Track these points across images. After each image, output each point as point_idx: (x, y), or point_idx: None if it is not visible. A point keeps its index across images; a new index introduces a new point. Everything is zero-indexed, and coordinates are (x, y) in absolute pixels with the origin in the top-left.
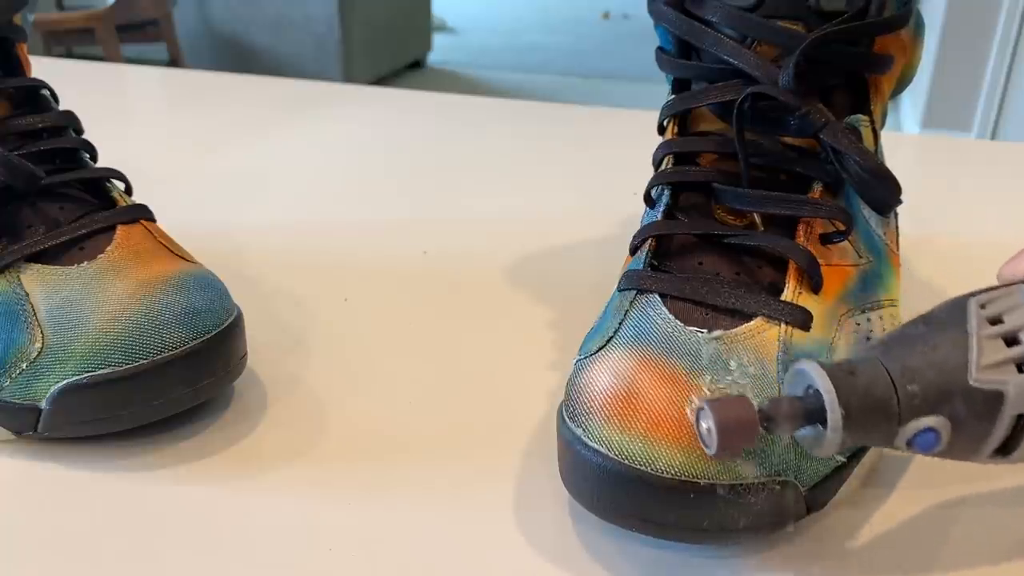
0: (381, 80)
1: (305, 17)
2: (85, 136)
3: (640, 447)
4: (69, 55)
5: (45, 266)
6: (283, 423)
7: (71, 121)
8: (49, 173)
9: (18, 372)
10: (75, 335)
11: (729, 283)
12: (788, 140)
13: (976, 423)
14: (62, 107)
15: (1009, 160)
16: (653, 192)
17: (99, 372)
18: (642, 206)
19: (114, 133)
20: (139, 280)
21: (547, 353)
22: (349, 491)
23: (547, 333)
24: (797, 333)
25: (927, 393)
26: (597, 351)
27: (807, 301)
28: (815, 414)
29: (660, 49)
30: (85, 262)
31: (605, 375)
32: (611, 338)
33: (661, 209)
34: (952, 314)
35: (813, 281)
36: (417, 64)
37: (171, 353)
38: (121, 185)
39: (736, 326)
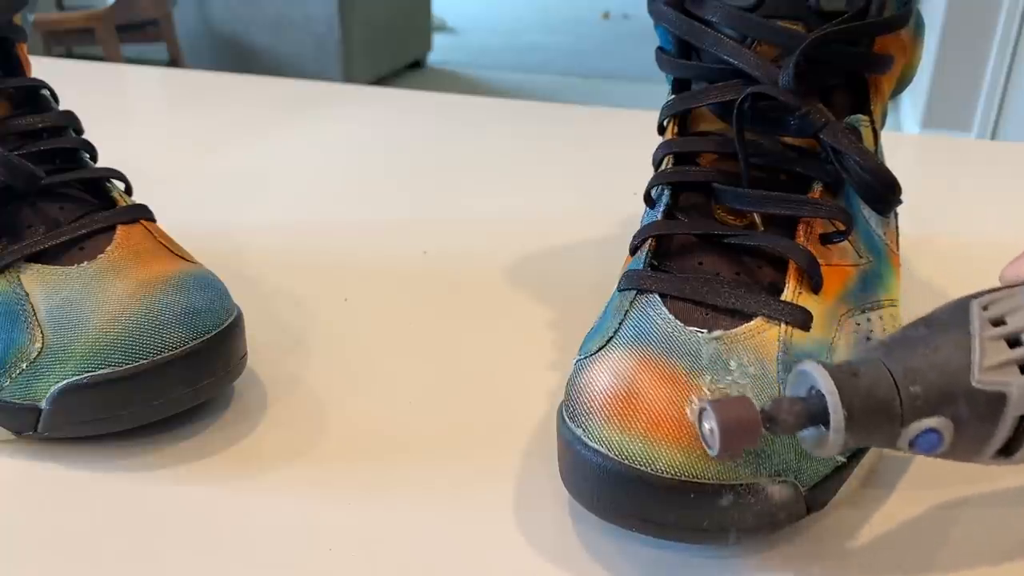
0: (381, 80)
1: (305, 17)
2: (85, 136)
3: (640, 447)
4: (69, 55)
5: (45, 266)
6: (283, 423)
7: (71, 121)
8: (49, 173)
9: (18, 372)
10: (75, 335)
11: (729, 283)
12: (788, 140)
13: (979, 424)
14: (62, 107)
15: (1009, 160)
16: (653, 192)
17: (99, 372)
18: (642, 206)
19: (114, 133)
20: (139, 280)
21: (547, 353)
22: (349, 491)
23: (547, 333)
24: (797, 333)
25: (930, 394)
26: (597, 351)
27: (807, 301)
28: (818, 415)
29: (660, 49)
30: (85, 262)
31: (605, 375)
32: (611, 338)
33: (661, 209)
34: (954, 316)
35: (813, 281)
36: (417, 64)
37: (171, 353)
38: (121, 185)
39: (736, 326)
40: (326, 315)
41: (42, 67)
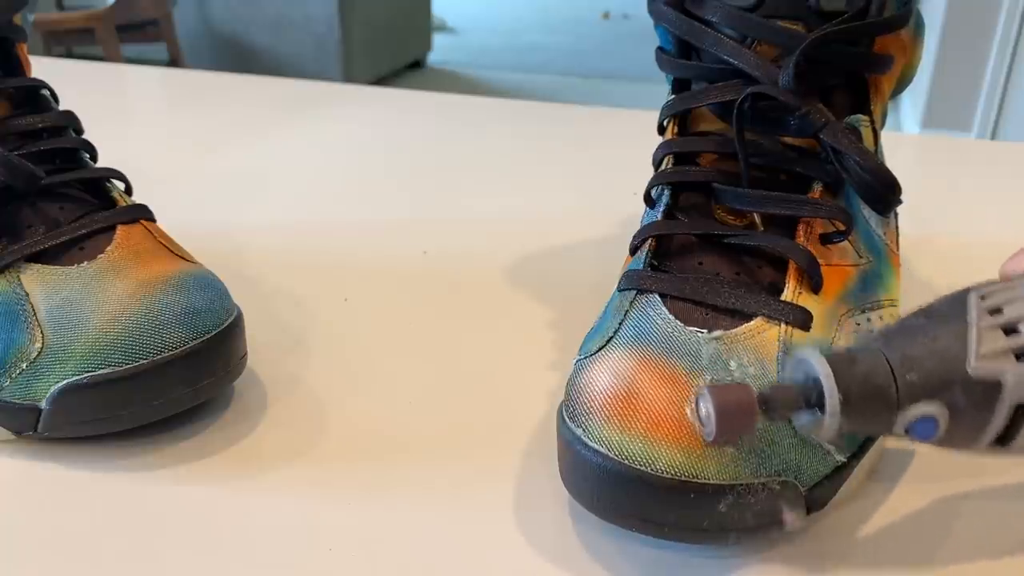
0: (381, 80)
1: (305, 17)
2: (85, 136)
3: (640, 447)
4: (69, 55)
5: (45, 266)
6: (283, 423)
7: (71, 121)
8: (49, 173)
9: (18, 372)
10: (75, 335)
11: (729, 283)
12: (788, 140)
13: (974, 412)
14: (62, 107)
15: (1009, 160)
16: (653, 192)
17: (99, 372)
18: (642, 206)
19: (114, 133)
20: (139, 280)
21: (547, 353)
22: (349, 491)
23: (547, 333)
24: (797, 333)
25: (926, 381)
26: (597, 351)
27: (807, 301)
28: (814, 400)
29: (660, 49)
30: (85, 262)
31: (605, 375)
32: (611, 338)
33: (661, 209)
34: (952, 306)
35: (813, 281)
36: (417, 64)
37: (171, 353)
38: (121, 185)
39: (736, 326)
40: (326, 315)
41: (42, 67)
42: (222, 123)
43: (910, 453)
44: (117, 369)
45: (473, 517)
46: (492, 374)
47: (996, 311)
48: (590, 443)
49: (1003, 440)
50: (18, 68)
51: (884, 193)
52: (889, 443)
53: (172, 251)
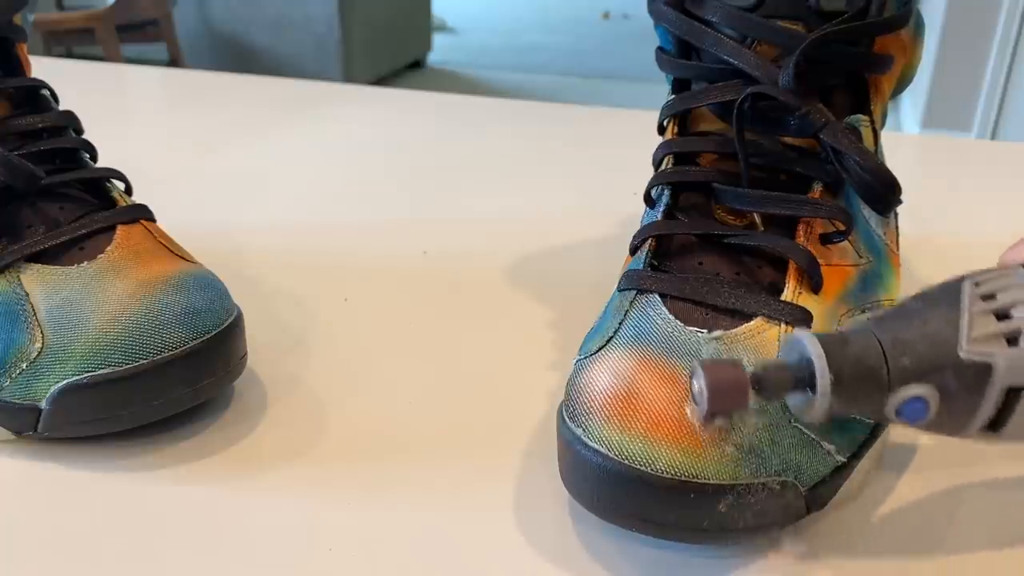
0: (381, 80)
1: (305, 17)
2: (85, 136)
3: (640, 447)
4: (69, 55)
5: (45, 266)
6: (283, 423)
7: (71, 121)
8: (49, 173)
9: (18, 372)
10: (75, 335)
11: (729, 283)
12: (788, 140)
13: (965, 395)
14: (62, 107)
15: (1009, 160)
16: (653, 192)
17: (99, 372)
18: (642, 206)
19: (114, 133)
20: (139, 280)
21: (547, 353)
22: (349, 491)
23: (547, 333)
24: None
25: (917, 363)
26: (597, 351)
27: (807, 301)
28: (806, 380)
29: (660, 49)
30: (85, 262)
31: (605, 375)
32: (611, 338)
33: (661, 209)
34: (947, 292)
35: (813, 281)
36: (417, 64)
37: (171, 353)
38: (121, 185)
39: (736, 326)
40: (326, 315)
41: (42, 67)
42: (222, 123)
43: (910, 453)
44: (117, 369)
45: (473, 517)
46: (492, 374)
47: (989, 297)
48: (590, 443)
49: (994, 426)
50: (18, 68)
51: (884, 193)
52: (890, 441)
53: (172, 251)
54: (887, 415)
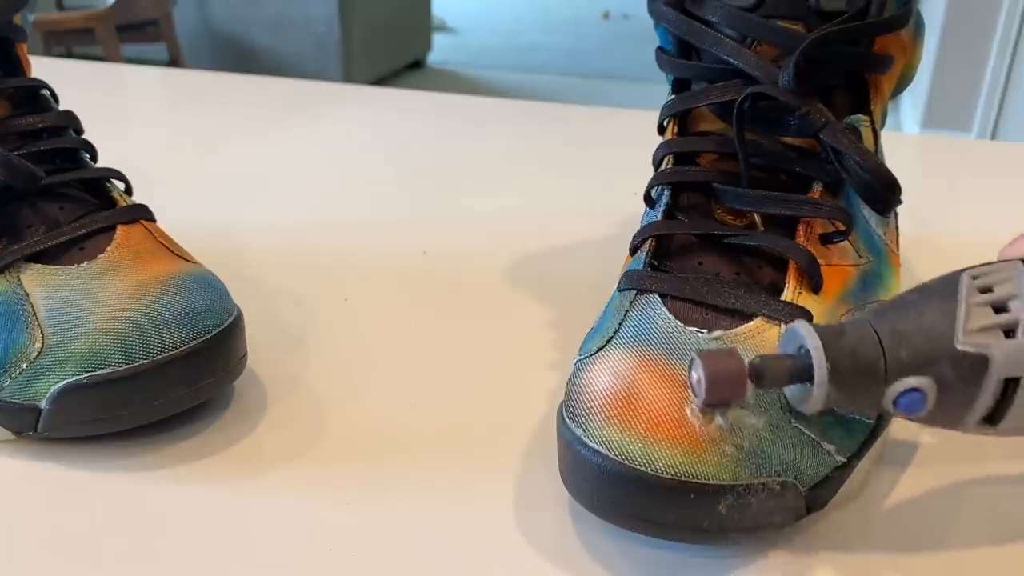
0: (381, 80)
1: (305, 17)
2: (85, 136)
3: (640, 447)
4: (69, 55)
5: (45, 266)
6: (283, 423)
7: (71, 121)
8: (49, 173)
9: (18, 372)
10: (75, 335)
11: (729, 283)
12: (788, 140)
13: (962, 387)
14: (62, 107)
15: (1009, 160)
16: (653, 192)
17: (99, 372)
18: (642, 206)
19: (114, 133)
20: (139, 280)
21: (547, 353)
22: (349, 491)
23: (547, 333)
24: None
25: (914, 355)
26: (597, 351)
27: (807, 301)
28: (803, 371)
29: (660, 49)
30: (85, 262)
31: (605, 375)
32: (611, 338)
33: (661, 209)
34: (945, 284)
35: (813, 281)
36: (417, 64)
37: (171, 353)
38: (121, 185)
39: (736, 326)
40: (326, 315)
41: (42, 67)
42: (222, 123)
43: (911, 452)
44: (117, 369)
45: (473, 517)
46: (492, 374)
47: (987, 290)
48: (590, 443)
49: (992, 419)
50: (18, 68)
51: (884, 193)
52: (889, 441)
53: (172, 251)
54: (884, 407)
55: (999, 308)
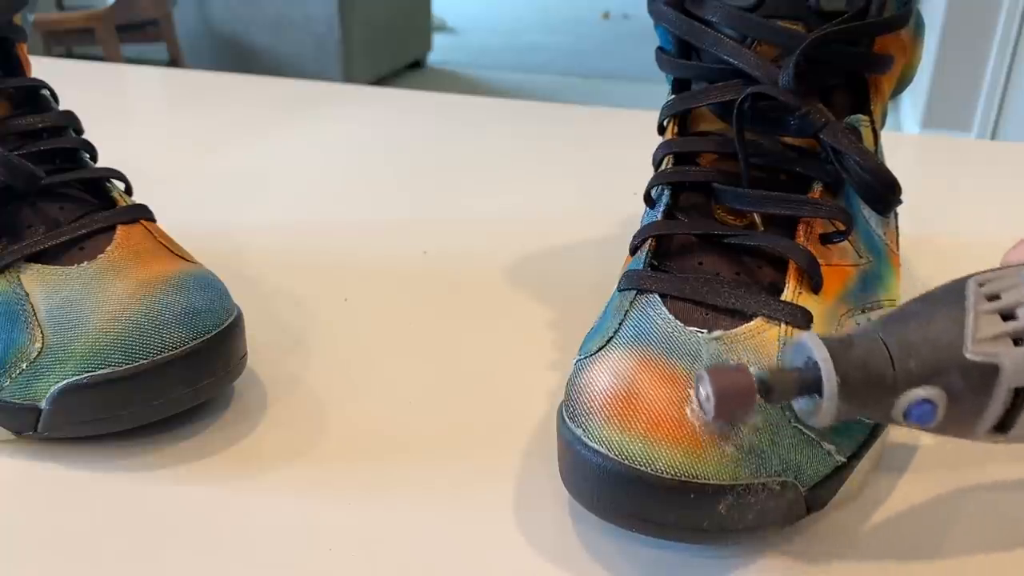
0: (381, 80)
1: (305, 17)
2: (85, 136)
3: (640, 447)
4: (69, 55)
5: (45, 266)
6: (283, 423)
7: (71, 121)
8: (49, 173)
9: (18, 372)
10: (75, 335)
11: (729, 283)
12: (788, 140)
13: (972, 396)
14: (62, 107)
15: (1009, 160)
16: (653, 192)
17: (99, 372)
18: (642, 206)
19: (114, 133)
20: (139, 280)
21: (547, 353)
22: (349, 491)
23: (547, 333)
24: (797, 333)
25: (923, 365)
26: (597, 351)
27: (807, 301)
28: (812, 384)
29: (660, 49)
30: (85, 262)
31: (605, 375)
32: (611, 338)
33: (661, 209)
34: (951, 293)
35: (813, 281)
36: (417, 64)
37: (171, 353)
38: (121, 185)
39: (736, 326)
40: (326, 315)
41: (42, 67)
42: (222, 123)
43: (911, 452)
44: (117, 369)
45: (473, 517)
46: (492, 374)
47: (994, 297)
48: (590, 443)
49: (1003, 427)
50: (18, 68)
51: (884, 193)
52: (889, 442)
53: (172, 251)
54: (895, 418)
55: (1007, 315)
